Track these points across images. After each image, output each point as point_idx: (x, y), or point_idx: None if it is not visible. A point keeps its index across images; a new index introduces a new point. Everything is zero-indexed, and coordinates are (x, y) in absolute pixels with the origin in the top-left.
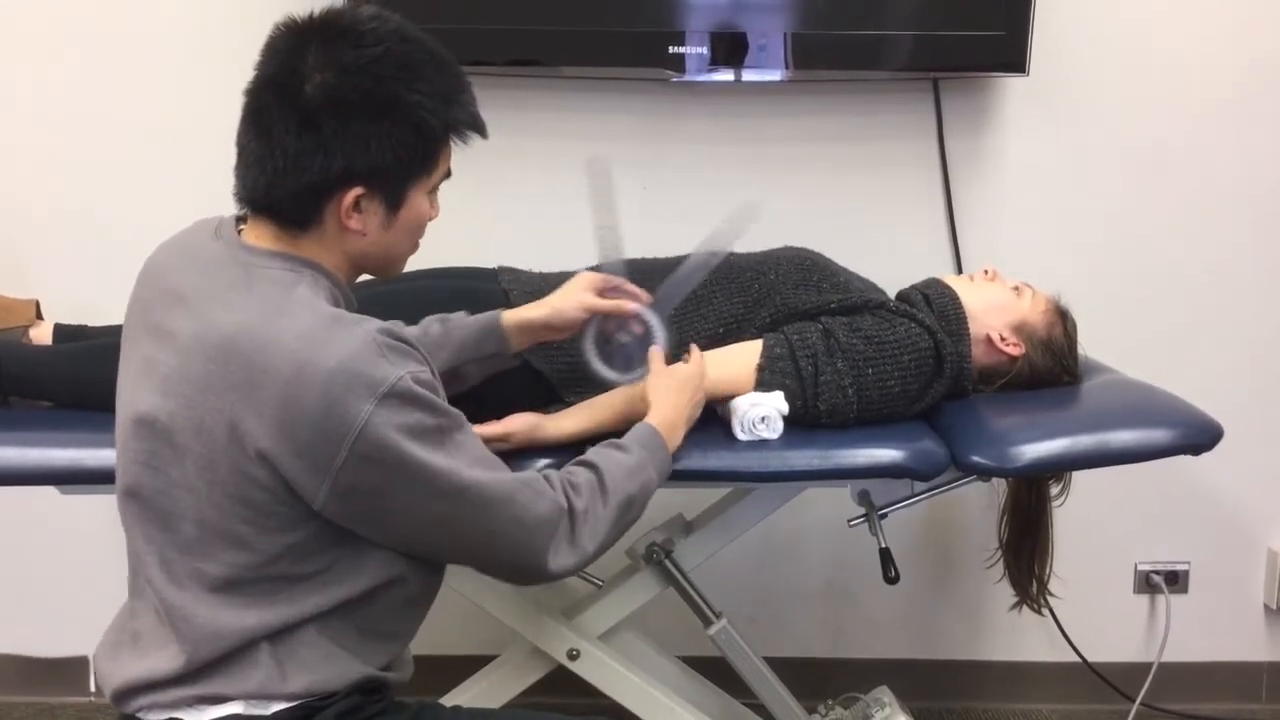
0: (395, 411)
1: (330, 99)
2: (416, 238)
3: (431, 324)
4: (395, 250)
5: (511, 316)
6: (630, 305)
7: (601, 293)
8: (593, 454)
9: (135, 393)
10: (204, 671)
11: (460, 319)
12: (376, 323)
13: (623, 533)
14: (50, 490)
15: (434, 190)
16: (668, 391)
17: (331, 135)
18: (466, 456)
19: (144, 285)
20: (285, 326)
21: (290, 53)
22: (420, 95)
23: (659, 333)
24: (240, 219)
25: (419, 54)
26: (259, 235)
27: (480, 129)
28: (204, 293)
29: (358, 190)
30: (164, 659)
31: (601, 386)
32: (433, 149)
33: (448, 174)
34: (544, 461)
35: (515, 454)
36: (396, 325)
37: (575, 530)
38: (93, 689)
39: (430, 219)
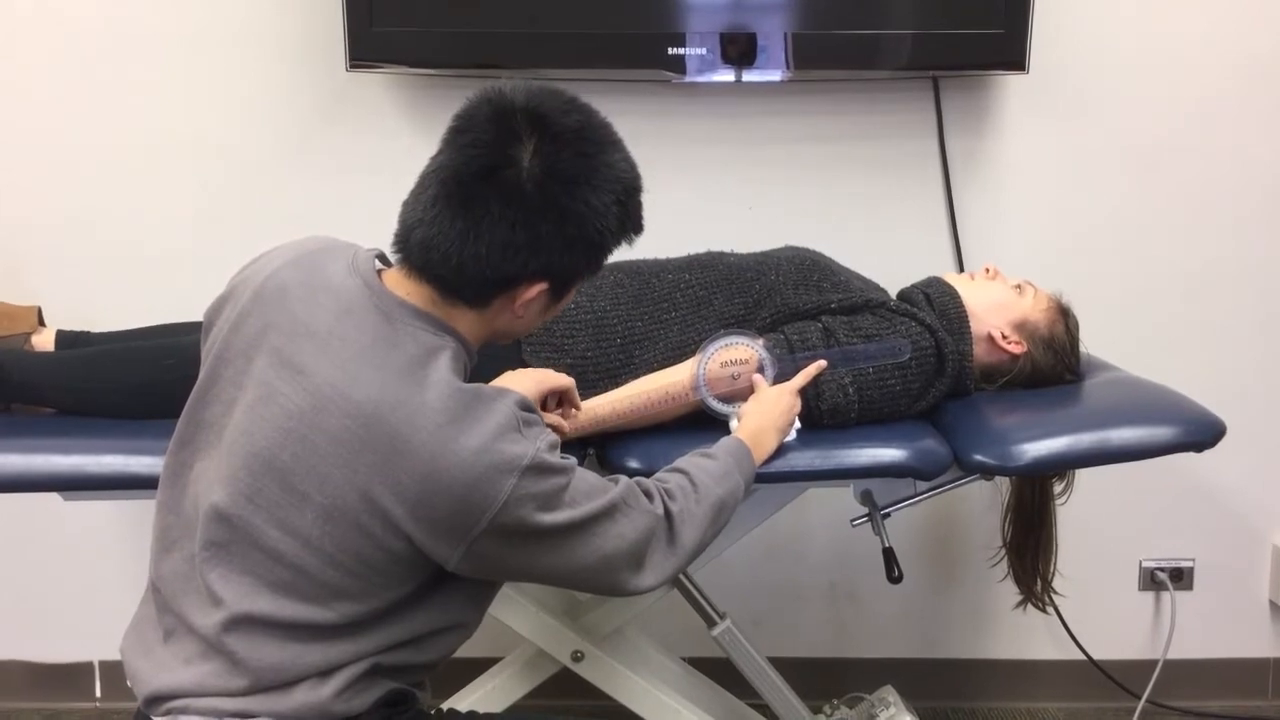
0: (533, 482)
1: (553, 205)
2: (552, 319)
3: None
4: (531, 328)
5: None
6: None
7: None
8: (681, 461)
9: (244, 417)
10: (251, 693)
11: None
12: (513, 396)
13: (716, 535)
14: (53, 497)
15: None
16: (756, 404)
17: (541, 238)
18: (582, 496)
19: (264, 303)
20: (431, 402)
21: (504, 143)
22: (631, 208)
23: (769, 367)
24: (379, 257)
25: (627, 164)
26: (408, 291)
27: (641, 230)
28: (345, 339)
29: (542, 285)
30: (209, 674)
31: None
32: (609, 254)
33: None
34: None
35: None
36: (523, 397)
37: (674, 532)
38: (98, 694)
39: None
